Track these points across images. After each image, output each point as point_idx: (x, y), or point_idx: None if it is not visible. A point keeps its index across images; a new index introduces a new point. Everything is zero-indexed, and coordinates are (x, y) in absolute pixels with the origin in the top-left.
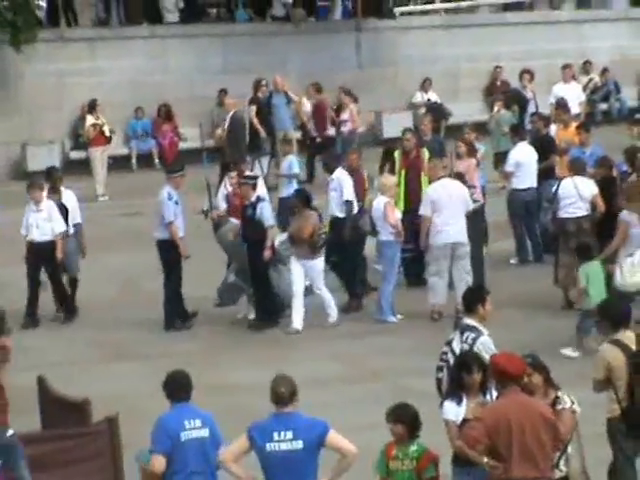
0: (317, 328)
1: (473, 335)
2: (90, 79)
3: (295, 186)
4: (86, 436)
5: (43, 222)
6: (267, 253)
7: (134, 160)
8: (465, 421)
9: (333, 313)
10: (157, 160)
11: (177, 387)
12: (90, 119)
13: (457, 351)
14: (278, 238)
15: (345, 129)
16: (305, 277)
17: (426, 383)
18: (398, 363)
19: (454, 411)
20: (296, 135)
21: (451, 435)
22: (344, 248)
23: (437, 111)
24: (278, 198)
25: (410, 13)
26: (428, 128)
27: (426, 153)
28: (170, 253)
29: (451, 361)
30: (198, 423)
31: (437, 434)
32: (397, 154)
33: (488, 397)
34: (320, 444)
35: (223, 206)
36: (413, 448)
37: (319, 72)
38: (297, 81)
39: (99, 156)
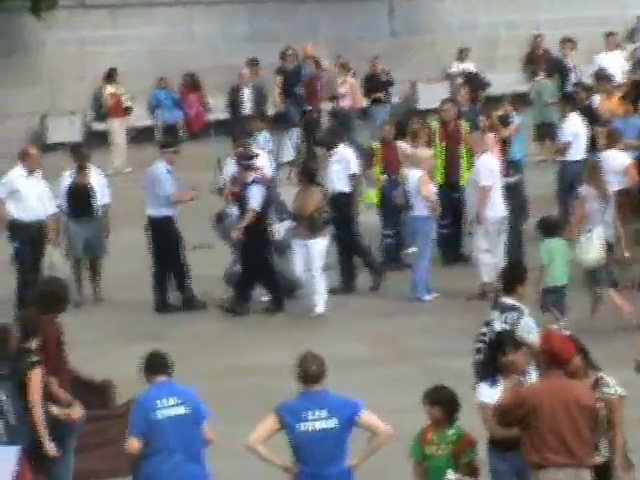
0: (346, 307)
1: (514, 315)
2: (112, 47)
3: (273, 163)
4: (107, 419)
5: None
6: (234, 233)
7: (159, 131)
8: None
9: (321, 303)
10: (180, 132)
11: (152, 366)
12: (109, 88)
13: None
14: (282, 225)
15: (344, 104)
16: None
17: (462, 364)
18: (433, 343)
19: (488, 393)
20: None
21: (485, 418)
22: (350, 224)
23: (475, 81)
24: None
25: None
26: (465, 99)
27: (465, 125)
28: (165, 233)
29: None
30: (173, 401)
31: (473, 416)
32: (435, 125)
33: (524, 378)
34: (354, 423)
35: (226, 184)
36: (451, 432)
37: (350, 40)
38: (327, 50)
39: (118, 127)
